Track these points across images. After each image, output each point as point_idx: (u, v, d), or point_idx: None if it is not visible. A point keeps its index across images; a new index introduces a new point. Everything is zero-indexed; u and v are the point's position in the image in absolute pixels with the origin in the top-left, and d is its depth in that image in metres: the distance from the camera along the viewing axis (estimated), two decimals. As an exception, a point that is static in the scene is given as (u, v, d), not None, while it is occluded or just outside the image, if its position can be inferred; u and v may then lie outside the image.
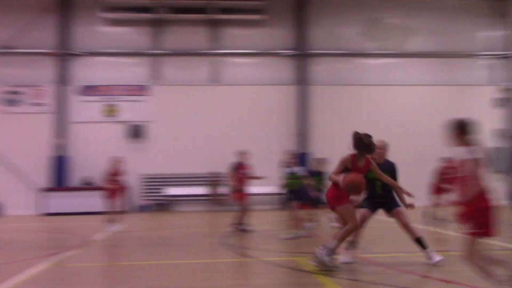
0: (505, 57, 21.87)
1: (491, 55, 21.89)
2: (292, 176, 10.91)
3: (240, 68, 21.34)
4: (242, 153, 12.17)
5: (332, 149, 20.98)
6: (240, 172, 11.93)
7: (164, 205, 19.98)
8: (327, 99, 21.11)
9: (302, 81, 20.89)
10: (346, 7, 21.60)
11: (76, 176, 20.04)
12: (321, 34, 21.50)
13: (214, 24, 21.14)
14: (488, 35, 22.07)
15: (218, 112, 20.74)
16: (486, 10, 22.06)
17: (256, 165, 20.34)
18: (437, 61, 21.75)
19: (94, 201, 18.76)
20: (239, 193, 11.87)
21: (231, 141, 20.44)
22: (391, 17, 21.68)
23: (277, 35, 21.42)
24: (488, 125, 21.42)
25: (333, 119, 20.95)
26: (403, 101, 21.31)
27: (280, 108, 20.98)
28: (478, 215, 4.89)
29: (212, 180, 19.58)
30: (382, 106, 21.23)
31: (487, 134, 21.33)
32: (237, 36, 21.38)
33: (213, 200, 19.41)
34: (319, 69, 21.43)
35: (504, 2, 21.93)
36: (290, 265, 7.38)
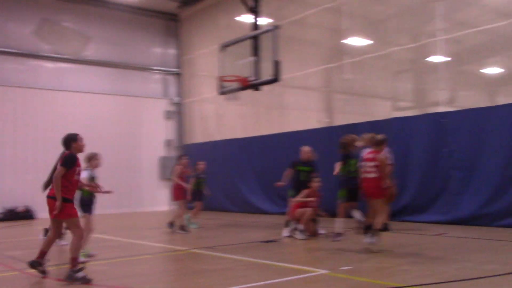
0: (176, 73, 23.67)
1: (164, 70, 23.38)
2: None
3: None
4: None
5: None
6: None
7: None
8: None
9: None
10: (19, 2, 19.82)
11: None
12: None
13: None
14: (163, 51, 23.51)
15: None
16: (161, 28, 23.48)
17: None
18: (114, 70, 21.97)
19: None
20: None
21: None
22: (68, 21, 20.87)
23: None
24: (159, 135, 22.84)
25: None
26: (80, 108, 20.66)
27: None
28: None
29: None
30: (59, 111, 20.16)
31: (159, 144, 22.71)
32: None
33: None
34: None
35: (177, 23, 23.75)
36: None
